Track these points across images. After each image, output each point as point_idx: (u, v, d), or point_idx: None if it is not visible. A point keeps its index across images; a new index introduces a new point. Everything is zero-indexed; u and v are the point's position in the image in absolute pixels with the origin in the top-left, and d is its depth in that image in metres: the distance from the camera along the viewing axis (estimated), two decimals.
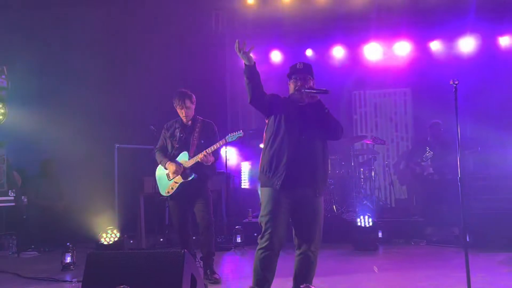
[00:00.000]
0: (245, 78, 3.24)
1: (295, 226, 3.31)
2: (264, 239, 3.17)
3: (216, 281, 4.33)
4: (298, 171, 3.18)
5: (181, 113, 4.45)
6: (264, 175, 3.27)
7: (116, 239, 5.39)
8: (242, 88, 10.00)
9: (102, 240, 5.38)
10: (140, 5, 7.95)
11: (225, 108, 8.61)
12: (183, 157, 4.40)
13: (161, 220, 7.18)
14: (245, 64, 3.20)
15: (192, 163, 4.33)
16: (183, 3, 7.79)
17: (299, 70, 3.36)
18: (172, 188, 4.40)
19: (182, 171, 4.34)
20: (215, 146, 4.29)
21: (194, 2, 7.78)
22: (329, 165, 3.50)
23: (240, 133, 4.27)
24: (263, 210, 3.23)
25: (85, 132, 7.19)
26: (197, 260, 4.45)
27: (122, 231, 5.61)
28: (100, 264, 2.86)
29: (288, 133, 3.23)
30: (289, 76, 3.41)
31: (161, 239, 6.74)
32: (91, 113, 7.58)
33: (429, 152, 6.49)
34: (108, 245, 5.34)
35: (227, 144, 4.47)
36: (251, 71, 3.22)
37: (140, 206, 6.43)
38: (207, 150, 4.26)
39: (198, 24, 8.09)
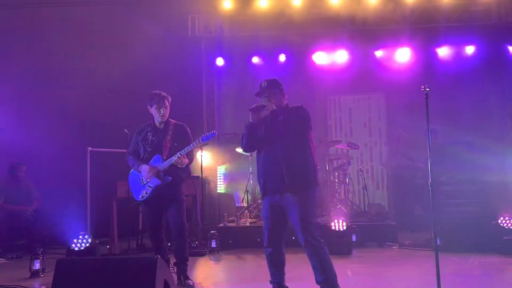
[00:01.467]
0: (246, 131, 3.61)
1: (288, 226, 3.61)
2: (264, 239, 3.63)
3: (190, 287, 4.29)
4: (272, 179, 3.55)
5: (159, 113, 4.37)
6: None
7: (87, 244, 5.27)
8: (219, 93, 9.91)
9: (73, 245, 5.26)
10: (116, 8, 7.86)
11: (201, 113, 8.58)
12: (156, 161, 4.35)
13: (134, 225, 7.08)
14: (251, 121, 3.54)
15: (165, 166, 4.28)
16: (159, 7, 7.74)
17: (265, 89, 3.64)
18: (146, 193, 4.34)
19: (156, 173, 4.29)
20: (188, 148, 4.26)
21: (170, 6, 7.73)
22: (307, 163, 3.58)
23: (213, 133, 4.27)
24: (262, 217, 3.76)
25: (57, 134, 7.04)
26: (170, 266, 4.40)
27: (94, 236, 5.50)
28: (71, 271, 2.79)
29: (261, 149, 3.63)
30: (259, 95, 3.67)
31: (134, 245, 6.65)
32: (62, 116, 7.43)
33: None
34: (79, 251, 5.22)
35: (200, 144, 4.45)
36: (255, 127, 3.57)
37: (113, 211, 6.32)
38: (180, 152, 4.24)
39: (174, 28, 8.04)
